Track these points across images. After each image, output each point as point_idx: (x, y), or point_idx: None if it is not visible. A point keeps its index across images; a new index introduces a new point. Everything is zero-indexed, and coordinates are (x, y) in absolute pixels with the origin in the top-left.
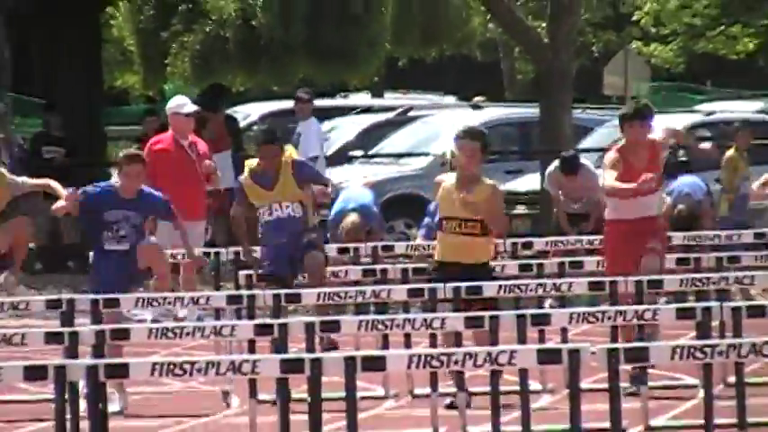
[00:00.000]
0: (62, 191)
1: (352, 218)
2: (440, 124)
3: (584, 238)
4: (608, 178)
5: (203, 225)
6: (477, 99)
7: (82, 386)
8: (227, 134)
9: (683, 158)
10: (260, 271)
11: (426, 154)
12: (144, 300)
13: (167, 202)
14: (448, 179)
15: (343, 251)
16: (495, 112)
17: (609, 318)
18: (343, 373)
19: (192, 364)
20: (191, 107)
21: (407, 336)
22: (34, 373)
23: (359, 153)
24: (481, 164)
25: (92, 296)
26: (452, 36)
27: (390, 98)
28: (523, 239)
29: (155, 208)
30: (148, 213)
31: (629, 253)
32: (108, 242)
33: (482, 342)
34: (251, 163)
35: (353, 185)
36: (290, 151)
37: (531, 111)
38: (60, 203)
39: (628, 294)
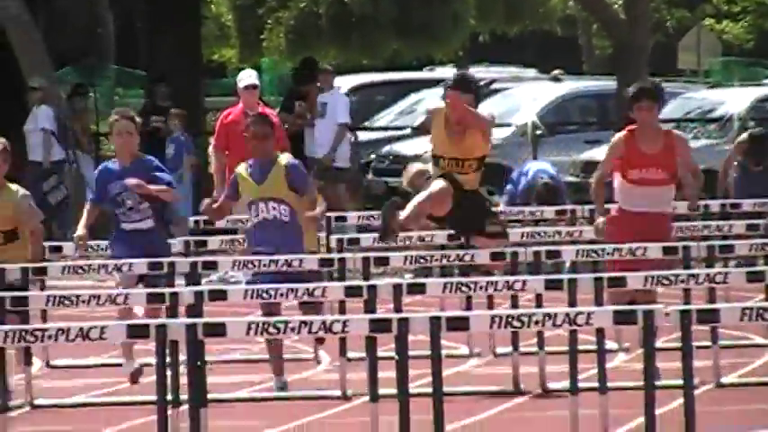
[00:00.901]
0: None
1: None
2: (520, 96)
3: None
4: (600, 164)
5: None
6: (556, 72)
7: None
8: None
9: None
10: None
11: (508, 125)
12: (240, 262)
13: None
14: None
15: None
16: (573, 85)
17: (682, 281)
18: (428, 333)
19: (287, 323)
20: (249, 81)
21: (490, 297)
22: (137, 332)
23: None
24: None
25: (191, 259)
26: (534, 13)
27: (474, 71)
28: None
29: (151, 169)
30: (149, 178)
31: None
32: (123, 220)
33: None
34: None
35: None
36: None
37: (608, 84)
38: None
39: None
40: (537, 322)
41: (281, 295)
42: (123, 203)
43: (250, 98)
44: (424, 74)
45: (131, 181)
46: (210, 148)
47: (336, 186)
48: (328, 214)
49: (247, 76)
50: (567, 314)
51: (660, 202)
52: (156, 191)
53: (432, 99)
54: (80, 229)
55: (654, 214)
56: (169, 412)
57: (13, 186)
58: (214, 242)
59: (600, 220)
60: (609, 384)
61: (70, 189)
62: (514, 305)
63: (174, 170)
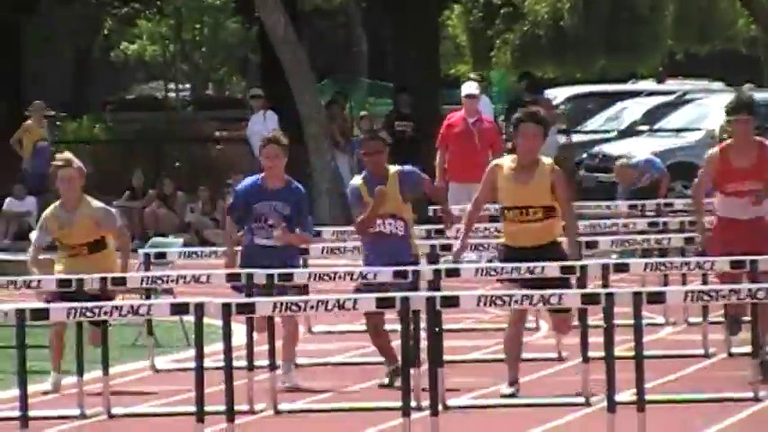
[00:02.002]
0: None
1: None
2: (710, 105)
3: None
4: (698, 180)
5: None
6: (747, 86)
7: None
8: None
9: None
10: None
11: (699, 129)
12: (473, 245)
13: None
14: (505, 163)
15: (632, 207)
16: (756, 96)
17: None
18: (631, 305)
19: (511, 296)
20: (468, 91)
21: (684, 276)
22: (384, 303)
23: (645, 128)
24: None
25: (431, 242)
26: (722, 34)
27: (670, 84)
28: None
29: (299, 200)
30: (294, 203)
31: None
32: (258, 235)
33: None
34: None
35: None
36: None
37: None
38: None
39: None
40: (723, 296)
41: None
42: (266, 221)
43: (470, 105)
44: (628, 86)
45: (277, 233)
46: None
47: None
48: None
49: (468, 87)
50: (750, 289)
51: (761, 209)
52: (297, 240)
53: (634, 107)
54: (229, 246)
55: (756, 219)
56: (412, 372)
57: (91, 200)
58: (452, 231)
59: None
60: None
61: (322, 183)
62: (704, 282)
63: None
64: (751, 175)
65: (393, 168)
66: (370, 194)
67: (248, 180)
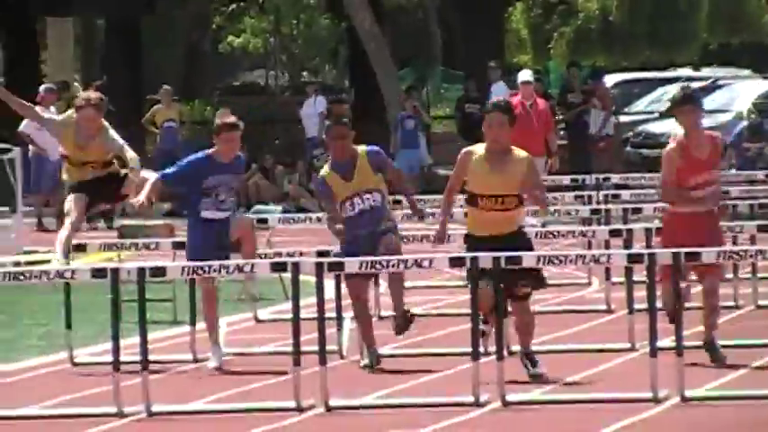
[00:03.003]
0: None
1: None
2: (738, 90)
3: None
4: (664, 175)
5: (543, 160)
6: None
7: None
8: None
9: None
10: None
11: (729, 111)
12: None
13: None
14: (478, 150)
15: None
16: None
17: None
18: (671, 261)
19: (566, 256)
20: (523, 77)
21: (753, 265)
22: (458, 262)
23: None
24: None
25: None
26: (751, 27)
27: (705, 72)
28: None
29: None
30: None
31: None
32: (208, 209)
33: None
34: None
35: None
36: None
37: None
38: (140, 197)
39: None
40: (750, 256)
41: (562, 236)
42: (217, 196)
43: (525, 91)
44: (668, 73)
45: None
46: None
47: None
48: (600, 175)
49: (523, 74)
50: None
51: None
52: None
53: (673, 91)
54: (143, 197)
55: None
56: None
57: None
58: None
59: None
60: None
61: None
62: (734, 242)
63: None
64: (708, 166)
65: (360, 148)
66: (342, 179)
67: (201, 155)
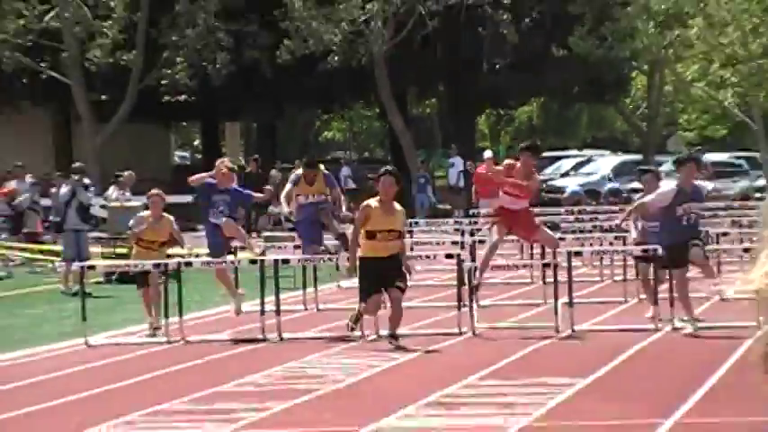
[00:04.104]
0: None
1: None
2: (603, 162)
3: None
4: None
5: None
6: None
7: None
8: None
9: None
10: None
11: (597, 173)
12: None
13: (250, 194)
14: (373, 203)
15: None
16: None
17: None
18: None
19: (605, 251)
20: (486, 155)
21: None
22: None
23: None
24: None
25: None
26: (608, 128)
27: (585, 152)
28: None
29: (241, 197)
30: (237, 200)
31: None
32: (212, 216)
33: None
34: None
35: None
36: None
37: None
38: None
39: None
40: None
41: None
42: (220, 210)
43: (488, 162)
44: (563, 153)
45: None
46: None
47: None
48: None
49: (487, 153)
50: None
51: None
52: (238, 238)
53: (566, 162)
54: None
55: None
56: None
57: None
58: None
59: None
60: None
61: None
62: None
63: None
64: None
65: (321, 172)
66: (307, 184)
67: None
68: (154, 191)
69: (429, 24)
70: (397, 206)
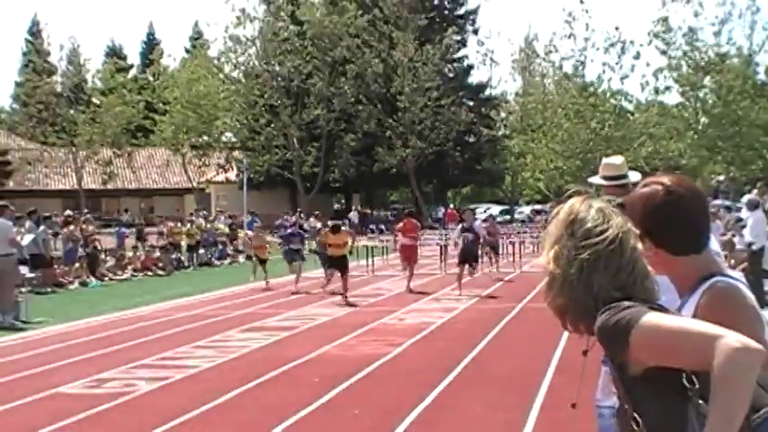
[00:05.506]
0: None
1: None
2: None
3: None
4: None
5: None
6: None
7: None
8: None
9: None
10: None
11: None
12: None
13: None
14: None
15: None
16: None
17: None
18: None
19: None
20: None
21: None
22: None
23: None
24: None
25: None
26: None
27: (536, 206)
28: None
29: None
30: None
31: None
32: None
33: None
34: None
35: None
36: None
37: None
38: None
39: None
40: None
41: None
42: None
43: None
44: (517, 207)
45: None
46: None
47: None
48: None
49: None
50: None
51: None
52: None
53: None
54: None
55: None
56: None
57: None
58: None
59: None
60: None
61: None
62: None
63: None
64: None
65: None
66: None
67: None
68: None
69: None
70: (346, 229)
